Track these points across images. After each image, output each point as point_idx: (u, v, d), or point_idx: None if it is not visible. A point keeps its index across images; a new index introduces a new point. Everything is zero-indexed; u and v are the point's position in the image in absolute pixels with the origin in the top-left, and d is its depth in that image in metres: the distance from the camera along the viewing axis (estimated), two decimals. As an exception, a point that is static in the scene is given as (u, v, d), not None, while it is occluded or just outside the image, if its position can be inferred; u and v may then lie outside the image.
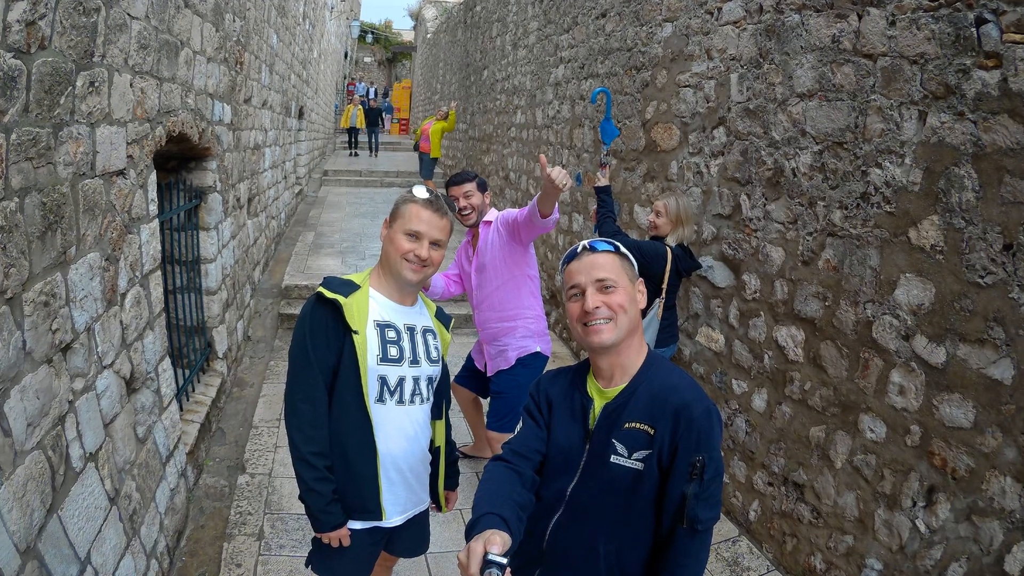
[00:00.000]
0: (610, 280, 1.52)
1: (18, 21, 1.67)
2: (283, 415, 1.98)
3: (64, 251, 1.99)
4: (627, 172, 4.65)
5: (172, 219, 3.76)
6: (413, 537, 2.14)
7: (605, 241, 1.60)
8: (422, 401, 1.99)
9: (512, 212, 3.12)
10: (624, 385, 1.52)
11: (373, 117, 18.18)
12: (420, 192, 1.95)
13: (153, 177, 2.88)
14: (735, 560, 3.11)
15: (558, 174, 2.55)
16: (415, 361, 1.95)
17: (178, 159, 4.01)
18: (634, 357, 1.54)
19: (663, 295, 3.38)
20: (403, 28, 37.10)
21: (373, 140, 18.24)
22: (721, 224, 3.53)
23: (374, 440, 1.90)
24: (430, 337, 2.03)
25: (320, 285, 1.90)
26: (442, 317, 2.14)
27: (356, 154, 18.22)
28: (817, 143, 2.81)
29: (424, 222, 1.90)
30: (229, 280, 4.80)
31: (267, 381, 4.83)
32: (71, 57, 2.00)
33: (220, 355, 4.41)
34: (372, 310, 1.91)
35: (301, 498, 1.89)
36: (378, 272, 1.99)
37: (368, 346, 1.86)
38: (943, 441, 2.23)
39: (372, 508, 1.93)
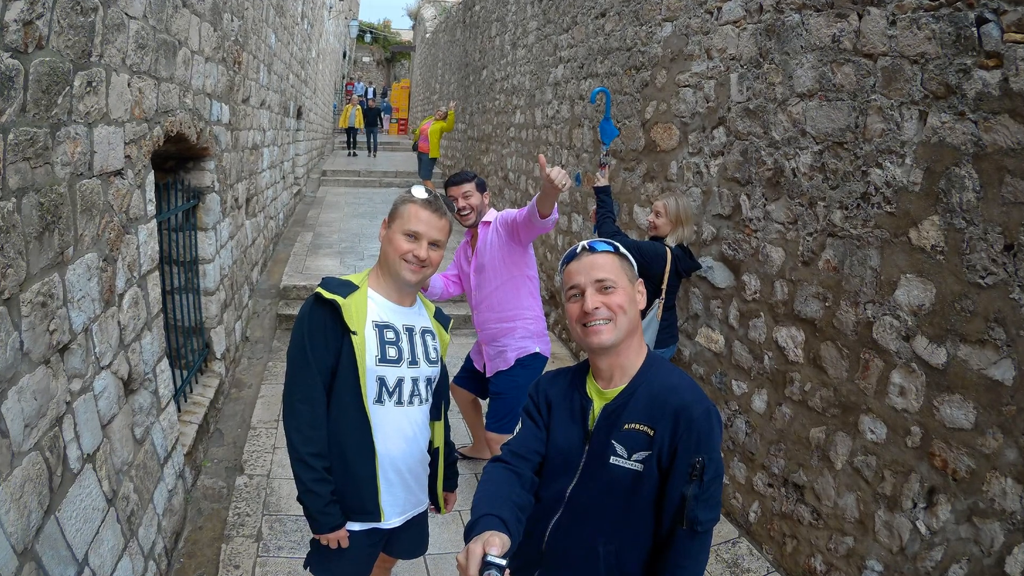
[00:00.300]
0: (609, 281, 1.52)
1: (15, 21, 1.67)
2: (281, 416, 1.98)
3: (62, 251, 1.99)
4: (627, 172, 4.65)
5: (170, 219, 3.76)
6: (412, 538, 2.14)
7: (604, 241, 1.60)
8: (421, 402, 1.99)
9: (511, 212, 3.11)
10: (623, 386, 1.52)
11: (372, 117, 18.17)
12: (419, 192, 1.95)
13: (151, 177, 2.88)
14: (735, 562, 3.11)
15: (557, 174, 2.55)
16: (414, 362, 1.95)
17: (176, 159, 4.01)
18: (633, 358, 1.54)
19: (663, 296, 3.38)
20: (402, 28, 37.12)
21: (372, 140, 18.24)
22: (721, 224, 3.53)
23: (372, 441, 1.90)
24: (429, 338, 2.03)
25: (318, 286, 1.90)
26: (441, 318, 2.13)
27: (355, 154, 18.21)
28: (817, 143, 2.81)
29: (423, 222, 1.90)
30: (227, 280, 4.80)
31: (265, 382, 4.83)
32: (69, 57, 2.00)
33: (218, 356, 4.41)
34: (371, 310, 1.91)
35: (299, 499, 1.89)
36: (377, 273, 1.99)
37: (367, 347, 1.86)
38: (944, 442, 2.23)
39: (371, 509, 1.93)
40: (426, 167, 11.51)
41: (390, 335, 1.92)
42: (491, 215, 3.28)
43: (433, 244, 1.92)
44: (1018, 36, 1.97)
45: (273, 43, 7.17)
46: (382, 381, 1.89)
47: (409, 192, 1.96)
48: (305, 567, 2.05)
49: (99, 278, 2.29)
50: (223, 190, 4.61)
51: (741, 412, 3.36)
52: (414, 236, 1.90)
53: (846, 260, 2.67)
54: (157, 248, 2.99)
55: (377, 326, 1.90)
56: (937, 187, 2.26)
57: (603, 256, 1.56)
